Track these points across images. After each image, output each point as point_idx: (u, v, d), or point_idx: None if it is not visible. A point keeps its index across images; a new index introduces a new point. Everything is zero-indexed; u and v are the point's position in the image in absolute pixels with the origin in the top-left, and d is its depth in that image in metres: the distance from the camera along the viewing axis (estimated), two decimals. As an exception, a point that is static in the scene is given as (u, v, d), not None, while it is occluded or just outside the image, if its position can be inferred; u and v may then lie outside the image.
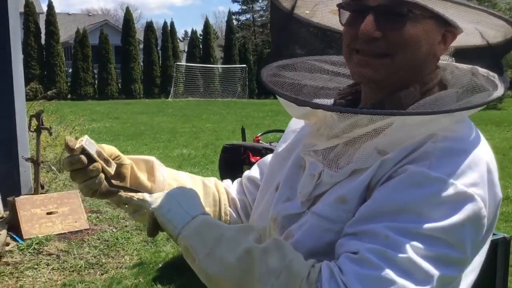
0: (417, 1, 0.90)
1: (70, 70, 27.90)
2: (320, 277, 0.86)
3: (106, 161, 1.06)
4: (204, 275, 0.94)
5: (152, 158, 1.23)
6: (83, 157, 1.01)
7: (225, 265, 0.90)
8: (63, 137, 8.40)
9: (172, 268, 4.59)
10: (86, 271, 4.50)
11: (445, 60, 1.06)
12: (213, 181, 1.38)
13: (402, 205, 0.87)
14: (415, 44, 0.94)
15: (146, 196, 1.05)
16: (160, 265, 4.65)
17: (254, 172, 1.39)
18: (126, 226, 5.62)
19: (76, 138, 1.02)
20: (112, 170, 1.07)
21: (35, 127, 5.43)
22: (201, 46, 30.69)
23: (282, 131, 4.91)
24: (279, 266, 0.88)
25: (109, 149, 1.11)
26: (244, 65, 29.27)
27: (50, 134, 5.80)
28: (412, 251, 0.83)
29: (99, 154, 1.05)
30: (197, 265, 0.94)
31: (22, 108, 5.59)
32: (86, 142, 1.03)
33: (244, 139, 5.43)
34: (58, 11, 27.19)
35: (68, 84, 27.44)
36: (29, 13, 25.27)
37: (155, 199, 1.03)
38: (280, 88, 1.10)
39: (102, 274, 4.46)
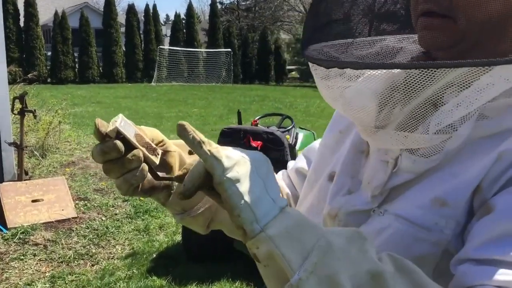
0: None
1: (50, 54, 27.19)
2: None
3: (149, 148, 0.79)
4: None
5: None
6: (118, 143, 0.74)
7: None
8: (45, 121, 8.06)
9: (166, 258, 4.39)
10: (75, 262, 4.27)
11: None
12: None
13: None
14: (483, 3, 0.72)
15: (222, 153, 0.69)
16: (154, 255, 4.43)
17: (300, 162, 1.16)
18: (116, 214, 5.38)
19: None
20: (157, 159, 0.79)
21: (18, 110, 5.13)
22: (184, 30, 30.13)
23: (281, 115, 4.64)
24: None
25: (151, 132, 0.84)
26: (229, 49, 28.80)
27: (35, 116, 5.50)
28: None
29: (139, 138, 0.78)
30: (295, 284, 0.64)
31: (4, 91, 5.27)
32: (121, 123, 0.75)
33: (240, 122, 5.19)
34: (36, -8, 26.37)
35: (48, 67, 26.77)
36: (7, -6, 24.48)
37: (233, 164, 0.68)
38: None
39: (93, 265, 4.24)
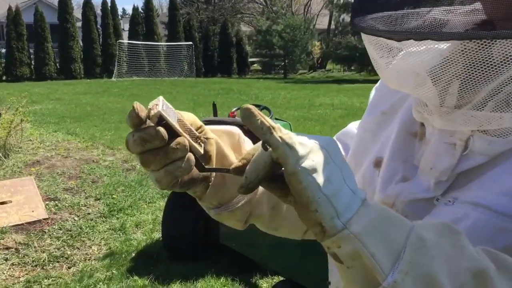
0: None
1: (4, 50, 26.22)
2: None
3: (192, 135, 0.70)
4: None
5: (236, 130, 0.87)
6: (162, 129, 0.64)
7: None
8: (6, 119, 7.71)
9: (146, 257, 4.25)
10: (50, 265, 4.08)
11: None
12: None
13: None
14: None
15: (295, 140, 0.59)
16: (133, 254, 4.28)
17: None
18: (89, 213, 5.19)
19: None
20: (201, 148, 0.71)
21: (-20, 108, 4.86)
22: (143, 24, 29.54)
23: (259, 105, 4.53)
24: None
25: (188, 117, 0.74)
26: (190, 43, 28.43)
27: (-1, 115, 5.22)
28: None
29: (182, 124, 0.69)
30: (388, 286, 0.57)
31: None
32: (163, 106, 0.65)
33: (215, 114, 5.08)
34: (-13, -13, 25.38)
35: (3, 65, 25.82)
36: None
37: (308, 152, 0.59)
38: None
39: (69, 268, 4.06)
